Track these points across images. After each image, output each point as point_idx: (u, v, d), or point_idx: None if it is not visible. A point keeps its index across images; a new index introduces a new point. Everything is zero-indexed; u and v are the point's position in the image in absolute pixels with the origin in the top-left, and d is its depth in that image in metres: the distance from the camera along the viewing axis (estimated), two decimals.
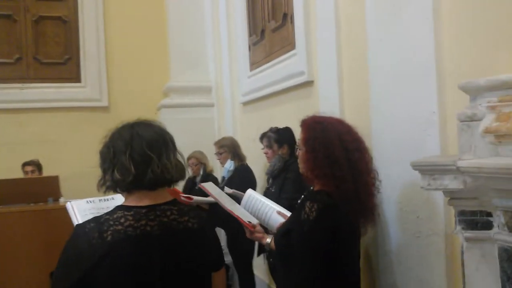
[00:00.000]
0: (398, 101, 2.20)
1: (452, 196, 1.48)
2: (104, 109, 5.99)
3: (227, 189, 3.48)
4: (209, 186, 2.68)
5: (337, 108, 2.76)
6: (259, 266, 4.24)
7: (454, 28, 1.88)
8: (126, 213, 1.43)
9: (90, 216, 1.49)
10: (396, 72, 2.21)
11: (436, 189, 1.46)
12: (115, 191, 1.48)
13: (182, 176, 1.53)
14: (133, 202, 1.46)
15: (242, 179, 3.86)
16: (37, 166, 5.11)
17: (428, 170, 1.46)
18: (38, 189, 4.29)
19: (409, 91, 2.12)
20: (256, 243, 3.85)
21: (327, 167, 1.83)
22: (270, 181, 3.40)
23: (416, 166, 1.52)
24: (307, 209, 1.80)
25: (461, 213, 1.45)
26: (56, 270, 1.40)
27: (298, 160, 2.03)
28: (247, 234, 2.32)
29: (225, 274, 1.68)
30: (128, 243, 1.38)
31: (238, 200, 2.71)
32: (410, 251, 2.16)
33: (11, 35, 5.75)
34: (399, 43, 2.18)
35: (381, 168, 2.29)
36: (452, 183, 1.38)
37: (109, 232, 1.38)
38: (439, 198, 1.95)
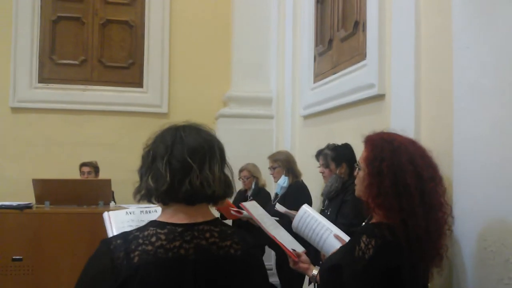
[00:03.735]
0: (488, 120, 1.85)
1: None
2: (163, 115, 5.94)
3: (279, 207, 3.22)
4: (250, 206, 2.47)
5: (412, 125, 2.44)
6: None
7: None
8: (158, 230, 1.22)
9: (128, 230, 1.29)
10: (486, 85, 1.87)
11: None
12: (150, 201, 1.27)
13: (227, 193, 1.31)
14: (168, 217, 1.26)
15: (296, 197, 3.59)
16: (94, 168, 5.11)
17: None
18: (90, 191, 4.22)
19: (502, 109, 1.78)
20: None
21: (394, 197, 1.52)
22: (326, 202, 3.11)
23: None
24: (362, 244, 1.51)
25: None
26: None
27: (356, 181, 1.74)
28: (290, 264, 2.06)
29: None
30: (157, 267, 1.16)
31: (290, 221, 2.46)
32: None
33: (78, 37, 5.84)
34: (492, 51, 1.85)
35: (462, 199, 1.97)
36: None
37: (136, 253, 1.17)
38: None
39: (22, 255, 3.69)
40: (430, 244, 1.55)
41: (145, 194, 1.26)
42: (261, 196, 4.25)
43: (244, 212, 3.65)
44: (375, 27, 3.04)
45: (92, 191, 4.20)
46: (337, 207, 2.93)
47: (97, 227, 3.74)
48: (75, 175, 4.96)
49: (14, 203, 3.83)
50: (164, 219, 1.26)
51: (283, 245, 2.08)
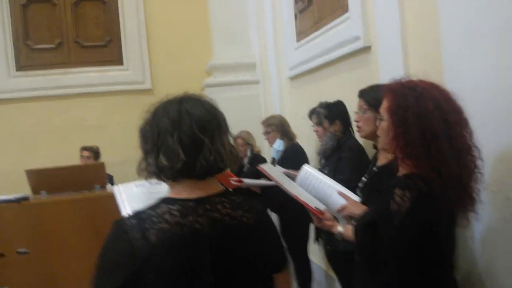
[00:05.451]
0: (480, 67, 1.83)
1: None
2: (148, 91, 5.84)
3: (279, 168, 3.23)
4: (268, 168, 2.44)
5: (401, 75, 2.40)
6: (316, 251, 3.98)
7: None
8: (171, 207, 1.22)
9: (140, 203, 1.33)
10: (476, 31, 1.83)
11: None
12: (158, 178, 1.26)
13: (235, 164, 1.31)
14: (179, 193, 1.25)
15: (294, 160, 3.58)
16: (94, 153, 5.02)
17: None
18: (85, 176, 4.18)
19: (495, 54, 1.75)
20: (312, 227, 3.59)
21: (422, 145, 1.47)
22: (323, 161, 3.10)
23: None
24: (397, 198, 1.46)
25: None
26: (95, 275, 1.20)
27: (379, 133, 1.67)
28: (315, 222, 2.05)
29: (289, 275, 1.43)
30: (174, 245, 1.17)
31: (292, 179, 2.47)
32: (498, 237, 1.83)
33: (51, 20, 5.65)
34: None
35: None
36: None
37: (152, 231, 1.17)
38: None
39: (27, 247, 3.66)
40: (463, 190, 1.52)
41: (153, 172, 1.24)
42: (258, 163, 4.23)
43: (245, 181, 3.67)
44: None
45: (87, 176, 4.16)
46: (333, 164, 2.93)
47: (98, 211, 3.75)
48: (67, 161, 4.90)
49: (11, 196, 3.78)
50: (174, 195, 1.25)
51: (307, 204, 2.06)
